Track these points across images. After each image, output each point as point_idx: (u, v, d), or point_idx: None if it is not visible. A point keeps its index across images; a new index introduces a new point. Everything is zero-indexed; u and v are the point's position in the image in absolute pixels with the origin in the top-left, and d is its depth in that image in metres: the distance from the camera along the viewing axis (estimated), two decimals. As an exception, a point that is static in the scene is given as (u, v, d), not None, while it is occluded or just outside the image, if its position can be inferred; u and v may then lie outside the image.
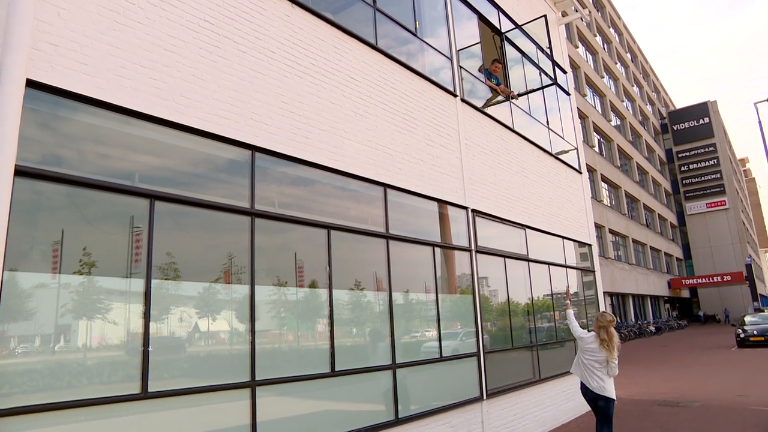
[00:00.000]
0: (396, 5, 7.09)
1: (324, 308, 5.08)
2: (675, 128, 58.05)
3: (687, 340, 30.20)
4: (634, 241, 40.78)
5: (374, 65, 6.35)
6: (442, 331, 6.55)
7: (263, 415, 4.25)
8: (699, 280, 49.23)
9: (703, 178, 56.01)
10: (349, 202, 5.71)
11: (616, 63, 47.28)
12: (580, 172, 12.30)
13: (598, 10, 45.63)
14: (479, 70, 9.09)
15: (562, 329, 9.92)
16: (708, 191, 55.41)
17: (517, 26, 10.25)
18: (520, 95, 9.91)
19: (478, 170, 8.06)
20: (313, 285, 5.06)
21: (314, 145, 5.25)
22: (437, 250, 6.83)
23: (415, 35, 7.38)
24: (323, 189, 5.42)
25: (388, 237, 5.97)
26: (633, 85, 51.30)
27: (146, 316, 3.67)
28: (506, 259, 8.41)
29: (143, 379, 3.56)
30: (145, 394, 3.55)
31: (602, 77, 41.76)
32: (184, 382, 3.84)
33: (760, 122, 23.65)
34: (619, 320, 34.65)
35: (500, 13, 9.91)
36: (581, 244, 11.55)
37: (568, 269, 10.53)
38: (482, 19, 9.34)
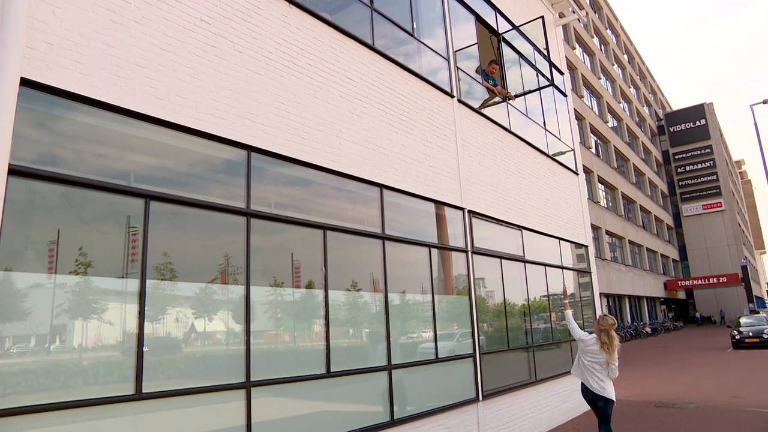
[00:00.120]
0: (393, 6, 7.09)
1: (320, 309, 5.07)
2: (671, 130, 58.25)
3: (683, 341, 30.29)
4: (631, 243, 40.87)
5: (371, 66, 6.34)
6: (438, 332, 6.55)
7: (258, 416, 4.24)
8: (695, 282, 49.41)
9: (699, 180, 56.22)
10: (346, 202, 5.70)
11: (613, 64, 47.39)
12: (577, 174, 12.32)
13: (595, 12, 45.74)
14: (476, 71, 9.10)
15: (559, 330, 9.94)
16: (704, 193, 55.62)
17: (515, 27, 10.26)
18: (517, 96, 9.92)
19: (475, 171, 8.07)
20: (309, 286, 5.05)
21: (311, 145, 5.24)
22: (433, 251, 6.83)
23: (412, 36, 7.38)
24: (319, 189, 5.41)
25: (384, 238, 5.97)
26: (630, 87, 51.44)
27: (141, 317, 3.66)
28: (503, 260, 8.41)
29: (137, 380, 3.55)
30: (139, 395, 3.53)
31: (599, 79, 41.87)
32: (179, 383, 3.83)
33: (756, 124, 23.75)
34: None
35: (497, 14, 9.92)
36: (578, 245, 11.57)
37: (564, 270, 10.55)
38: (479, 20, 9.35)
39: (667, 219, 54.76)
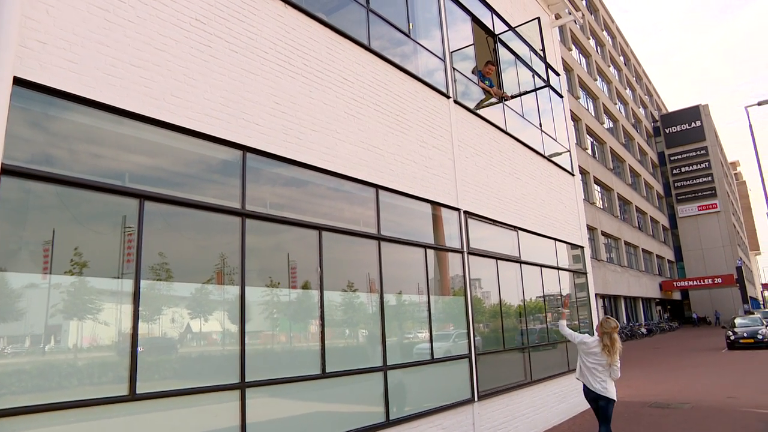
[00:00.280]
0: (390, 7, 7.09)
1: (315, 309, 5.07)
2: (667, 131, 58.44)
3: (678, 342, 30.39)
4: (626, 244, 40.99)
5: (367, 66, 6.34)
6: (434, 333, 6.55)
7: (253, 417, 4.22)
8: (690, 283, 49.55)
9: (694, 181, 56.42)
10: (341, 203, 5.70)
11: (609, 66, 47.52)
12: (573, 174, 12.34)
13: (591, 13, 45.87)
14: (472, 72, 9.11)
15: (554, 331, 9.95)
16: (699, 194, 55.82)
17: (511, 28, 10.27)
18: (513, 97, 9.93)
19: (471, 172, 8.07)
20: (305, 286, 5.04)
21: (306, 145, 5.24)
22: (429, 251, 6.83)
23: (408, 36, 7.39)
24: (315, 190, 5.41)
25: (379, 238, 5.97)
26: (626, 88, 51.59)
27: (135, 317, 3.64)
28: (498, 260, 8.42)
29: (131, 380, 3.54)
30: (132, 396, 3.52)
31: (595, 80, 41.97)
32: (173, 384, 3.81)
33: (750, 126, 23.85)
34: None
35: (494, 15, 9.94)
36: (573, 246, 11.60)
37: (560, 271, 10.57)
38: (476, 21, 9.36)
39: (663, 220, 54.95)
